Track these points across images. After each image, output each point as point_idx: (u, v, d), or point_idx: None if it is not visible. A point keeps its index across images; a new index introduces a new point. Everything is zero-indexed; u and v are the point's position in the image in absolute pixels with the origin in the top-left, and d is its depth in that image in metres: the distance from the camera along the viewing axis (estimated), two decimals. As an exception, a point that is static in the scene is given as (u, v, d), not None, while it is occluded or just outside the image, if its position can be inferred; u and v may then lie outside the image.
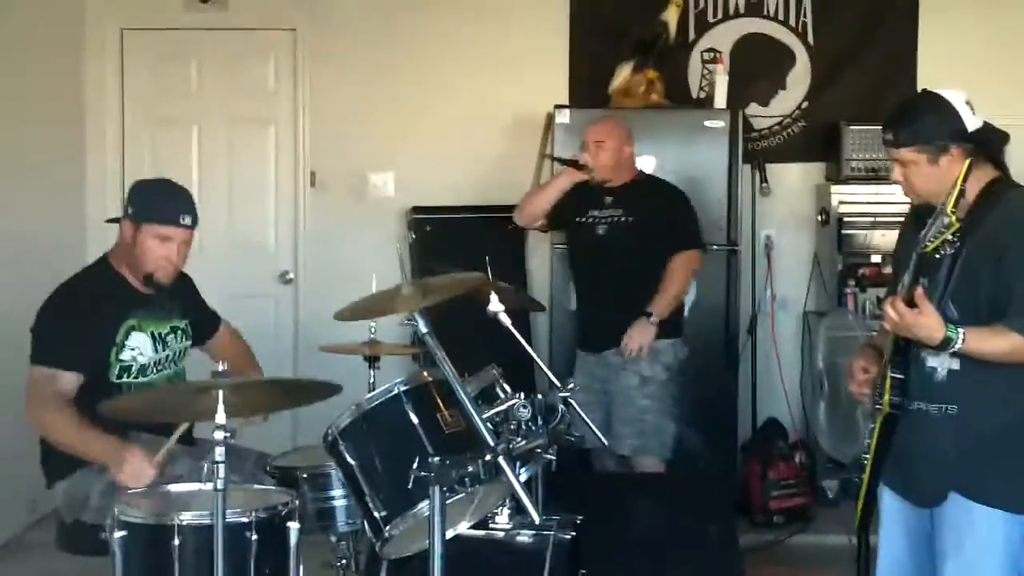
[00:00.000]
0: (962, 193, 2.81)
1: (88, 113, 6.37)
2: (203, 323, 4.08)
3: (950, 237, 2.82)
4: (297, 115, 6.39)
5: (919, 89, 4.08)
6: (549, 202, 5.06)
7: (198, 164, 6.38)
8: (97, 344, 3.63)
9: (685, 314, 5.11)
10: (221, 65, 6.39)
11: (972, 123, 3.04)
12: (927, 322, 2.90)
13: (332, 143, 6.37)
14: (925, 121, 3.06)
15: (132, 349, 3.70)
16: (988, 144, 3.07)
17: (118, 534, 2.94)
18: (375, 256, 5.75)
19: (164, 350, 3.80)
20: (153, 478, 3.35)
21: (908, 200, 3.24)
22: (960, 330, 2.90)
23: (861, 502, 3.27)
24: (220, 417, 2.83)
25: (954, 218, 2.77)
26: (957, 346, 2.91)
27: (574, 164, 4.98)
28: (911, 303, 2.90)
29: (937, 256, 2.90)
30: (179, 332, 3.89)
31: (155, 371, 3.76)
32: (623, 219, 4.91)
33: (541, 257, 6.11)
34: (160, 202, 3.73)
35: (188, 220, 3.71)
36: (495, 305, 3.45)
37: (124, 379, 3.68)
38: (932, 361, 3.06)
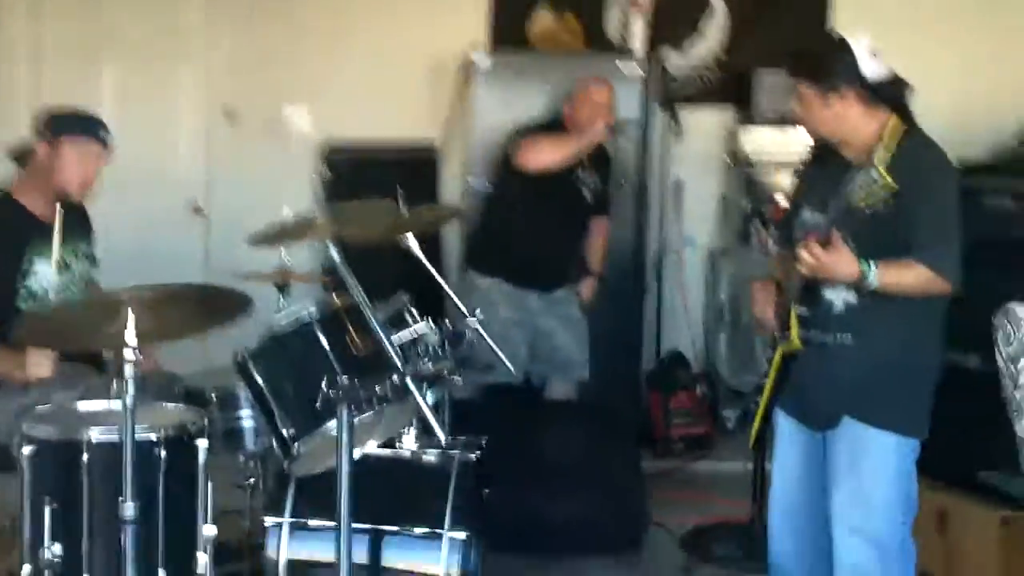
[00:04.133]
0: (893, 156, 2.89)
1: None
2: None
3: (883, 195, 2.88)
4: (210, 49, 6.33)
5: (830, 34, 4.17)
6: (573, 156, 4.94)
7: (113, 98, 6.28)
8: (2, 273, 3.64)
9: None
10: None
11: (873, 71, 3.10)
12: (842, 260, 2.98)
13: (247, 77, 6.32)
14: (822, 60, 3.14)
15: (36, 275, 3.71)
16: (886, 93, 3.12)
17: (26, 449, 2.94)
18: (288, 190, 5.76)
19: (67, 274, 3.80)
20: (54, 359, 3.38)
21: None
22: (872, 264, 2.99)
23: (757, 422, 3.37)
24: (130, 336, 2.82)
25: (889, 178, 2.84)
26: (871, 280, 2.99)
27: (611, 129, 4.98)
28: (825, 246, 2.97)
29: (867, 211, 2.97)
30: (82, 255, 3.89)
31: (63, 296, 3.76)
32: (596, 186, 5.15)
33: (453, 193, 6.15)
34: (77, 119, 3.79)
35: (105, 136, 3.75)
36: (406, 236, 3.53)
37: (31, 306, 3.67)
38: (830, 294, 3.15)
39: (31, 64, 6.30)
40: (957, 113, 5.55)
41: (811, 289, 3.15)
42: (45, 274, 3.73)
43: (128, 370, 2.81)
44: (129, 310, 2.83)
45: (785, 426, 3.39)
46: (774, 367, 3.28)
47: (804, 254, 3.00)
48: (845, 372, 3.17)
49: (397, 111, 6.22)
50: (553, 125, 5.09)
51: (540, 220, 5.03)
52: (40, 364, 3.39)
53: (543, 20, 6.15)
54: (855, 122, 3.12)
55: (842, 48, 3.11)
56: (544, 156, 4.89)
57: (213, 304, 3.15)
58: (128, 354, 2.81)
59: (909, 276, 3.04)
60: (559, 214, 5.06)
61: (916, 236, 3.02)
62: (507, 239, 5.09)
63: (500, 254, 5.10)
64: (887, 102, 3.13)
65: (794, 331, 3.18)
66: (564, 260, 5.19)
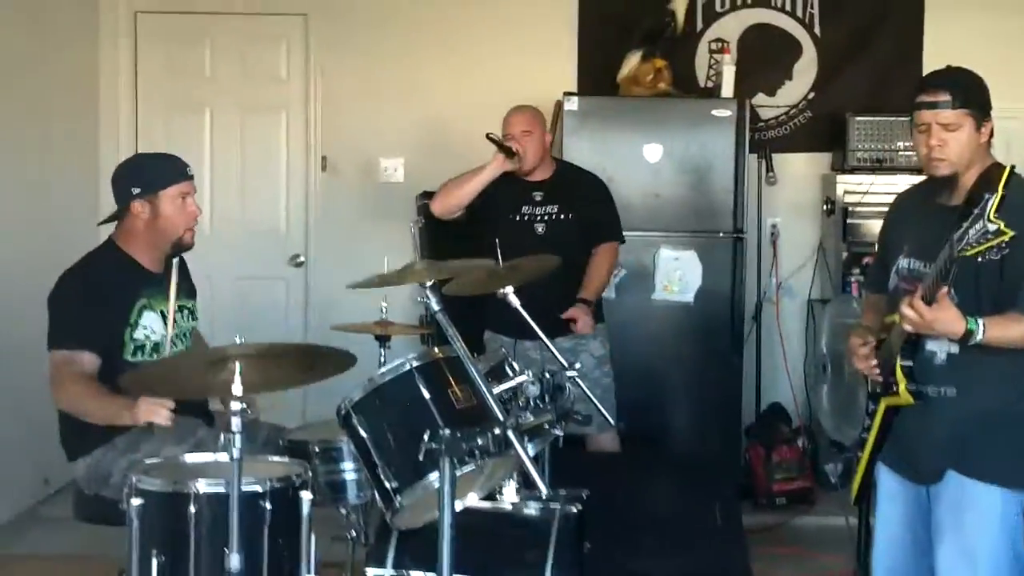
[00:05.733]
0: (1002, 199, 2.77)
1: (102, 99, 6.43)
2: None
3: (997, 244, 2.78)
4: (308, 100, 6.45)
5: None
6: (475, 192, 4.89)
7: (210, 149, 6.43)
8: (111, 324, 3.67)
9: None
10: (233, 50, 6.45)
11: None
12: (947, 317, 2.92)
13: (343, 128, 6.43)
14: (976, 88, 3.12)
15: (144, 327, 3.74)
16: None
17: (135, 502, 2.97)
18: (385, 240, 5.83)
19: (174, 328, 3.80)
20: (170, 406, 3.37)
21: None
22: (980, 321, 2.92)
23: (859, 476, 3.33)
24: (236, 387, 2.86)
25: (1002, 224, 2.73)
26: (978, 337, 2.93)
27: (507, 150, 4.84)
28: (930, 301, 2.91)
29: (979, 260, 2.90)
30: (186, 311, 3.92)
31: (168, 349, 3.78)
32: (561, 216, 4.89)
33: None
34: (162, 168, 3.81)
35: (191, 171, 3.81)
36: (507, 289, 3.55)
37: (139, 358, 3.71)
38: (932, 345, 3.10)
39: (131, 118, 6.47)
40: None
41: (913, 340, 3.10)
42: (152, 326, 3.76)
43: (235, 423, 2.86)
44: (236, 363, 2.88)
45: (887, 481, 3.34)
46: (877, 420, 3.24)
47: (907, 311, 2.95)
48: (948, 425, 3.11)
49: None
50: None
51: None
52: (155, 411, 3.38)
53: (632, 64, 6.17)
54: (980, 161, 3.10)
55: (984, 81, 3.12)
56: (441, 199, 4.93)
57: (317, 362, 3.19)
58: (235, 405, 2.86)
59: (1015, 331, 2.98)
60: (512, 256, 4.60)
61: (1020, 287, 2.97)
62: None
63: (490, 307, 4.67)
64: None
65: (902, 385, 3.12)
66: (545, 304, 4.52)
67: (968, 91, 3.10)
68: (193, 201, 3.79)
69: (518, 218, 4.90)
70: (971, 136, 3.08)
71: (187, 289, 3.95)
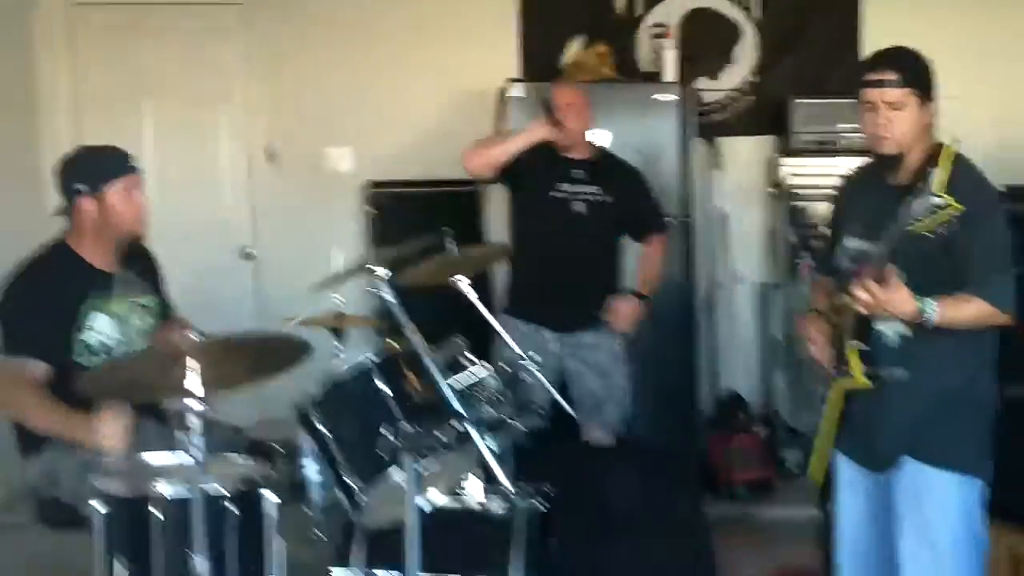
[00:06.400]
0: (950, 177, 2.80)
1: (40, 92, 6.32)
2: (165, 307, 4.02)
3: (945, 220, 2.79)
4: (249, 90, 6.39)
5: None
6: (512, 153, 4.69)
7: (153, 142, 6.31)
8: (59, 328, 3.61)
9: None
10: (173, 40, 6.35)
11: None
12: (899, 297, 2.93)
13: (287, 118, 6.38)
14: (922, 67, 3.13)
15: (93, 331, 3.67)
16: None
17: (98, 506, 2.94)
18: (334, 230, 5.80)
19: (127, 328, 3.76)
20: (127, 427, 3.34)
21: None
22: (930, 301, 2.94)
23: (814, 464, 3.35)
24: (193, 384, 2.82)
25: (952, 200, 2.74)
26: (931, 317, 2.94)
27: (553, 118, 4.69)
28: (880, 280, 2.92)
29: (929, 237, 2.88)
30: (143, 309, 3.85)
31: (123, 350, 3.72)
32: (602, 199, 4.76)
33: (497, 231, 6.14)
34: (104, 162, 3.73)
35: (135, 162, 3.74)
36: (460, 280, 3.54)
37: (91, 360, 3.65)
38: (882, 326, 3.12)
39: (71, 113, 6.37)
40: (999, 138, 5.55)
41: (863, 322, 3.11)
42: (102, 328, 3.70)
43: (194, 423, 2.82)
44: (193, 360, 2.84)
45: (846, 470, 3.36)
46: (832, 406, 3.25)
47: (860, 292, 2.96)
48: (901, 409, 3.14)
49: (435, 146, 6.22)
50: None
51: (532, 243, 4.74)
52: (114, 434, 3.34)
53: (575, 51, 6.17)
54: (924, 140, 3.13)
55: (929, 61, 3.14)
56: (471, 157, 4.71)
57: (272, 352, 3.13)
58: (193, 405, 2.83)
59: (967, 311, 3.00)
60: (551, 235, 4.72)
61: (970, 268, 3.00)
62: (511, 270, 4.86)
63: (511, 288, 4.83)
64: None
65: (856, 368, 3.13)
66: (575, 291, 4.72)
67: (914, 71, 3.12)
68: (140, 193, 3.72)
69: (556, 195, 4.76)
70: (916, 115, 3.10)
71: (145, 286, 3.88)
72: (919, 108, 3.10)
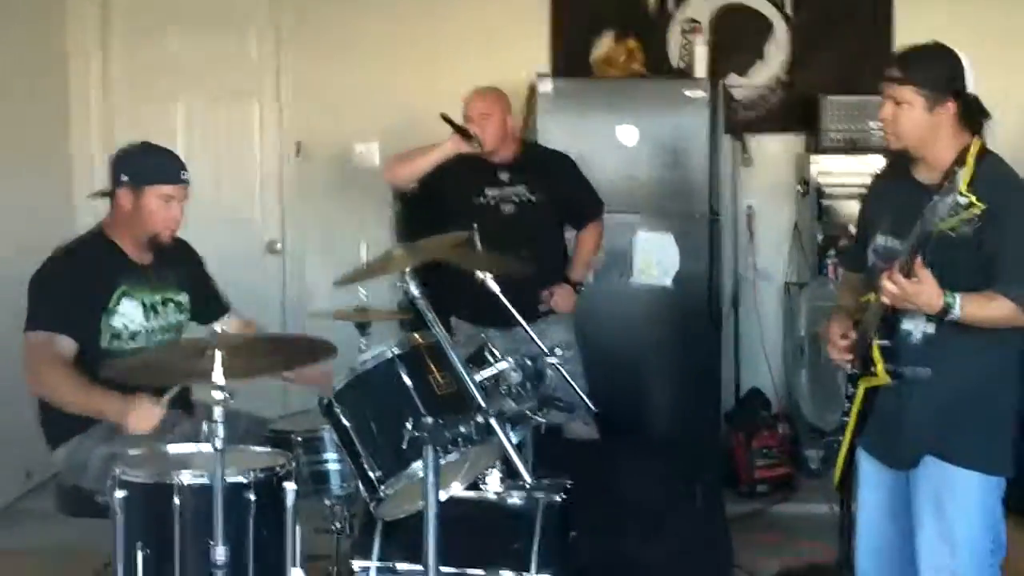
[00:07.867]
0: (975, 174, 2.79)
1: (72, 85, 6.37)
2: (207, 302, 4.07)
3: (970, 218, 2.78)
4: (280, 86, 6.41)
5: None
6: (423, 170, 4.76)
7: (184, 133, 6.36)
8: (89, 309, 3.66)
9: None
10: (203, 35, 6.38)
11: (971, 87, 3.08)
12: (926, 289, 2.91)
13: (316, 114, 6.39)
14: (935, 66, 3.08)
15: (122, 315, 3.72)
16: (976, 113, 3.09)
17: (119, 494, 2.97)
18: (361, 225, 5.81)
19: (156, 319, 3.81)
20: (160, 416, 3.39)
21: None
22: (957, 296, 2.92)
23: (841, 461, 3.32)
24: (217, 377, 2.86)
25: (974, 198, 2.73)
26: (955, 312, 2.92)
27: (463, 132, 4.72)
28: (908, 274, 2.90)
29: (952, 236, 2.88)
30: (173, 304, 3.90)
31: (147, 340, 3.78)
32: (528, 198, 4.81)
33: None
34: (156, 164, 3.78)
35: (186, 176, 3.78)
36: (484, 273, 3.53)
37: (114, 345, 3.70)
38: (907, 324, 3.09)
39: (103, 101, 6.42)
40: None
41: (888, 320, 3.09)
42: (131, 314, 3.75)
43: (218, 413, 2.85)
44: (216, 351, 2.87)
45: (868, 467, 3.34)
46: (856, 403, 3.24)
47: (887, 284, 2.94)
48: (924, 407, 3.11)
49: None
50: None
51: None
52: (146, 418, 3.40)
53: (605, 46, 6.16)
54: (946, 139, 3.08)
55: (953, 57, 3.09)
56: (389, 170, 4.88)
57: (299, 353, 3.19)
58: (216, 395, 2.85)
59: (991, 309, 2.97)
60: (484, 241, 4.42)
61: (997, 267, 2.98)
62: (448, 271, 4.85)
63: (457, 292, 4.49)
64: (972, 125, 3.10)
65: (879, 365, 3.11)
66: (517, 292, 4.30)
67: (924, 70, 3.08)
68: (179, 206, 3.76)
69: (483, 200, 4.80)
70: (922, 114, 3.06)
71: (177, 282, 3.92)
72: (927, 107, 3.06)
